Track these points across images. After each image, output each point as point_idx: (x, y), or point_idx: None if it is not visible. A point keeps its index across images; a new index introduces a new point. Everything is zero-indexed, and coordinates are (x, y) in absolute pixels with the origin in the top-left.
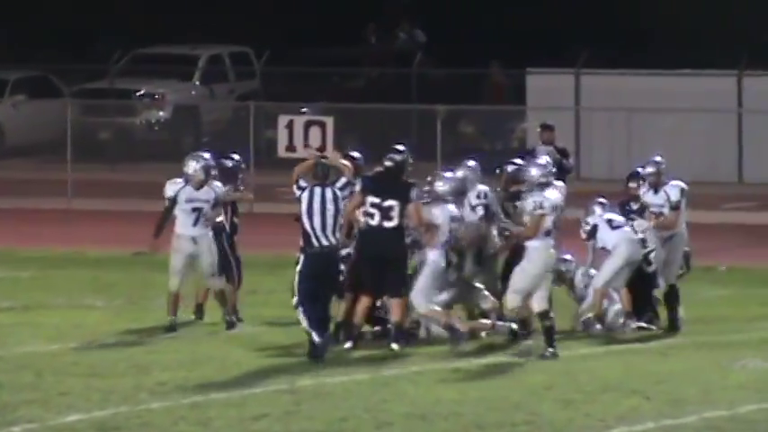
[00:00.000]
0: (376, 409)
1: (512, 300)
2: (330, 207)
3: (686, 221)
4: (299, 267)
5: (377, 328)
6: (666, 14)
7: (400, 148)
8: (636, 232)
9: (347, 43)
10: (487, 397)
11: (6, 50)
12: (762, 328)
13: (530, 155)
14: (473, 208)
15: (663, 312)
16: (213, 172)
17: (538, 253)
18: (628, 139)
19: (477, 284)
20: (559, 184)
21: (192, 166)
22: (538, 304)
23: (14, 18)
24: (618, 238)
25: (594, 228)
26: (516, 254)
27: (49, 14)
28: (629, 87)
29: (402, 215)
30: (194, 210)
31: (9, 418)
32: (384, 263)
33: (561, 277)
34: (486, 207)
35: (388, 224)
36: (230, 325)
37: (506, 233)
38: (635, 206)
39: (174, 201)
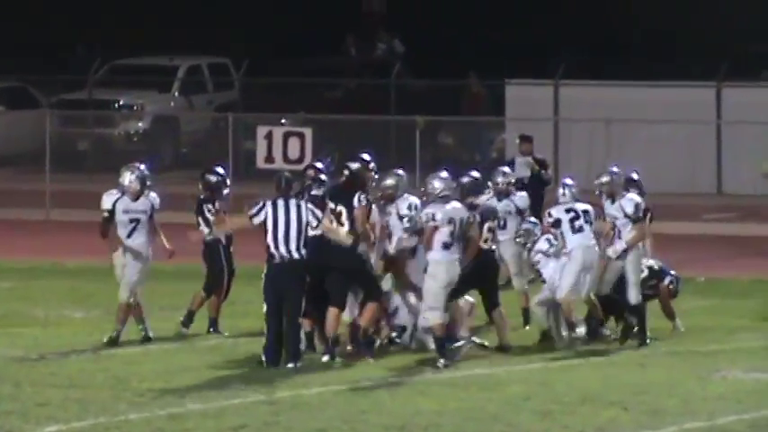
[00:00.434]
0: (354, 420)
1: (433, 317)
2: (293, 219)
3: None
4: (263, 276)
5: (394, 334)
6: (645, 25)
7: (365, 157)
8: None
9: (326, 54)
10: (466, 408)
11: None
12: (741, 338)
13: (509, 165)
14: (401, 218)
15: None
16: (149, 182)
17: (439, 267)
18: (606, 150)
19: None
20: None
21: (128, 177)
22: (432, 317)
23: None
24: (575, 243)
25: (558, 221)
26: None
27: (27, 25)
28: (607, 98)
29: (351, 221)
30: (131, 221)
31: None
32: (328, 271)
33: (526, 233)
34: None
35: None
36: (145, 338)
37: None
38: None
39: (111, 212)
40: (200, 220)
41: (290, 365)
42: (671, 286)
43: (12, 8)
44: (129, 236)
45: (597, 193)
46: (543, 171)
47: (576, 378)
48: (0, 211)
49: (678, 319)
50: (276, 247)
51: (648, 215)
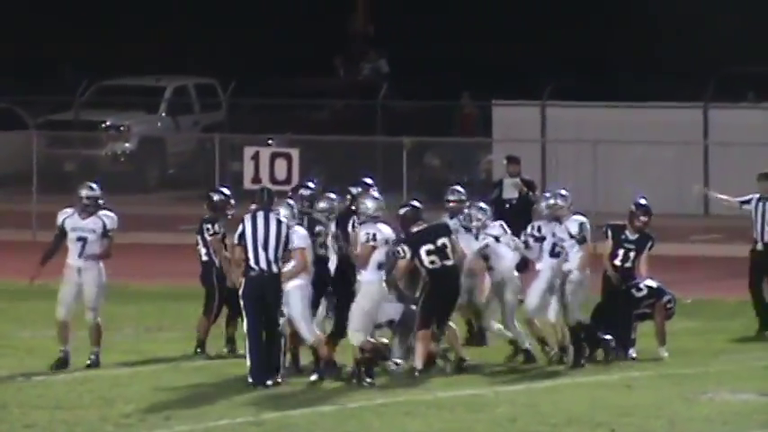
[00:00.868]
0: None
1: (356, 338)
2: (272, 232)
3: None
4: (240, 292)
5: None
6: (632, 47)
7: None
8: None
9: (313, 75)
10: (452, 429)
11: None
12: (728, 360)
13: (497, 187)
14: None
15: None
16: (101, 201)
17: (371, 287)
18: (593, 171)
19: None
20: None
21: (85, 194)
22: (356, 339)
23: None
24: (547, 264)
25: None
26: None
27: (12, 45)
28: (594, 119)
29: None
30: (79, 239)
31: None
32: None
33: (468, 219)
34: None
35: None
36: (94, 364)
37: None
38: (631, 236)
39: (62, 230)
40: (200, 239)
41: (269, 382)
42: (668, 305)
43: None
44: (79, 255)
45: (544, 214)
46: (531, 193)
47: (562, 399)
48: None
49: (664, 348)
50: (256, 260)
51: (650, 243)
